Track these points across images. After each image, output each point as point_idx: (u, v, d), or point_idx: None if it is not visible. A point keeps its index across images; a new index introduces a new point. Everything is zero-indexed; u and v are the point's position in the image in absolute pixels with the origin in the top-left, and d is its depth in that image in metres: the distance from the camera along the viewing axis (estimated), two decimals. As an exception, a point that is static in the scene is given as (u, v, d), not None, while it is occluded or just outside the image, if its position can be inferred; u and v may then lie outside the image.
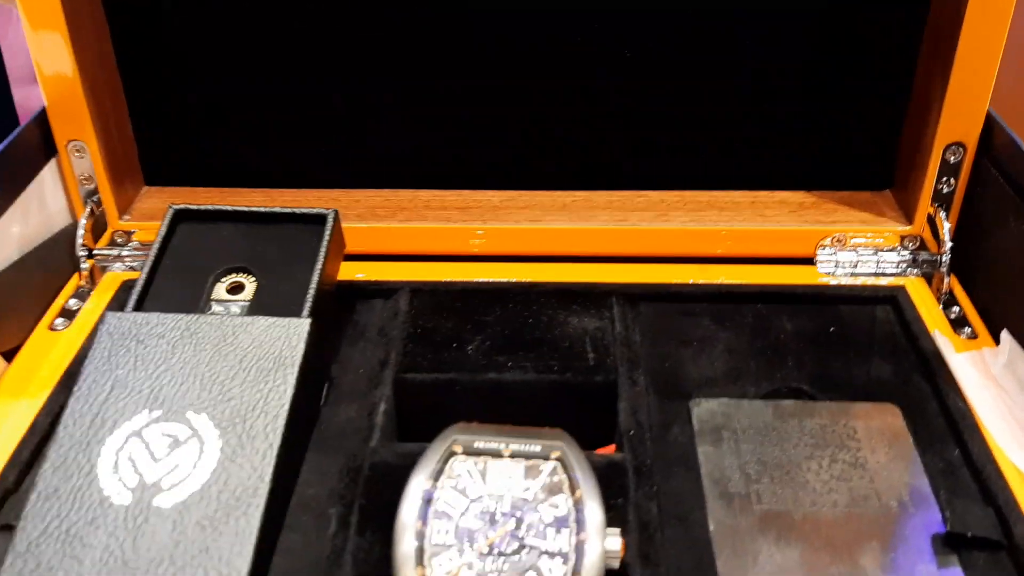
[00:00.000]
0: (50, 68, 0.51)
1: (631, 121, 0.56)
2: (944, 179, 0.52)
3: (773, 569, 0.38)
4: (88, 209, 0.55)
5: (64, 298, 0.53)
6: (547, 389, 0.46)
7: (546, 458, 0.37)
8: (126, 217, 0.56)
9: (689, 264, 0.55)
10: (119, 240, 0.56)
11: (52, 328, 0.51)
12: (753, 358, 0.49)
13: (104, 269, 0.56)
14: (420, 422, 0.44)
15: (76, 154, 0.53)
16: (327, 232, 0.49)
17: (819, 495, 0.41)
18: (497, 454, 0.37)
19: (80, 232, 0.54)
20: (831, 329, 0.50)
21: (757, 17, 0.52)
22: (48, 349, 0.50)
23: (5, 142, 0.50)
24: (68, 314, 0.52)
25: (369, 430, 0.44)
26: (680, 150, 0.57)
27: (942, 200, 0.53)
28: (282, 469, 0.40)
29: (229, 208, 0.50)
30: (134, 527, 0.37)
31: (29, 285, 0.51)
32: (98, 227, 0.56)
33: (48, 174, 0.54)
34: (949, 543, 0.39)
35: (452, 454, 0.37)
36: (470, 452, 0.38)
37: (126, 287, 0.54)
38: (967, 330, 0.50)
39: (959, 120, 0.51)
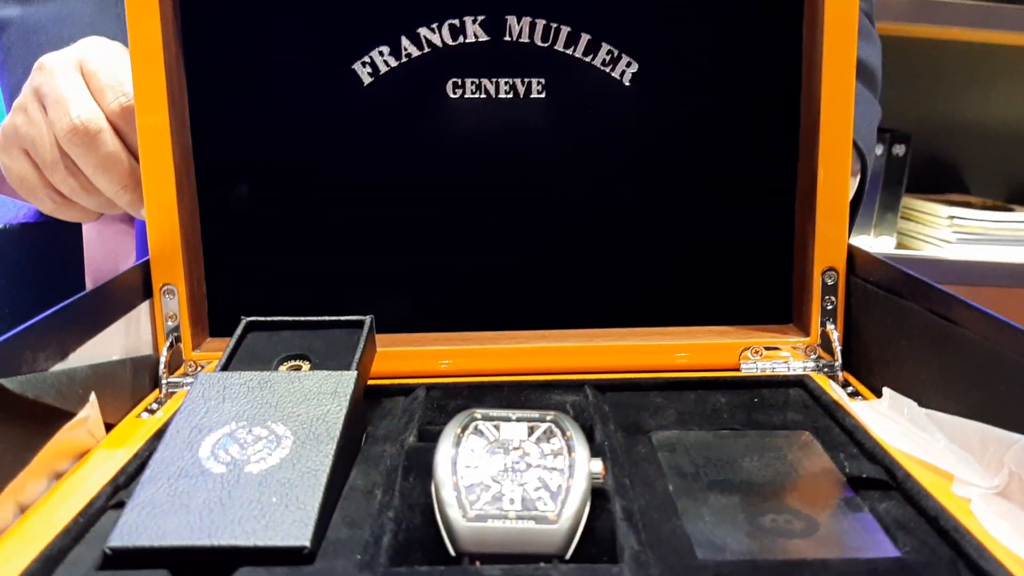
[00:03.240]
0: (158, 224, 0.68)
1: (586, 276, 0.74)
2: (827, 298, 0.70)
3: (719, 506, 0.50)
4: (169, 342, 0.69)
5: (147, 403, 0.66)
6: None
7: (544, 420, 0.50)
8: (197, 351, 0.71)
9: (642, 373, 0.70)
10: (190, 371, 0.70)
11: (139, 417, 0.64)
12: (697, 415, 0.62)
13: (173, 395, 0.69)
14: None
15: (167, 296, 0.69)
16: (366, 330, 0.64)
17: (752, 472, 0.53)
18: (507, 419, 0.50)
19: (163, 357, 0.68)
20: (755, 400, 0.65)
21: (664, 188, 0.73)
22: (138, 427, 0.62)
23: (116, 276, 0.67)
24: (151, 411, 0.65)
25: (401, 450, 0.56)
26: (627, 297, 0.74)
27: (828, 315, 0.70)
28: (339, 458, 0.52)
29: (290, 319, 0.65)
30: (228, 485, 0.48)
31: (124, 381, 0.64)
32: (175, 359, 0.70)
33: (143, 310, 0.69)
34: (852, 488, 0.51)
35: (473, 419, 0.50)
36: (486, 418, 0.50)
37: (196, 396, 0.67)
38: (860, 398, 0.65)
39: (828, 251, 0.69)
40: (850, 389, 0.66)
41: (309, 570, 0.44)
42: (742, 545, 0.46)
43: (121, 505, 0.50)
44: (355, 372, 0.58)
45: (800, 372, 0.69)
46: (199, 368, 0.71)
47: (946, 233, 1.73)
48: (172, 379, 0.69)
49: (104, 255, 1.17)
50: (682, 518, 0.48)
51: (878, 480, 0.51)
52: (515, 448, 0.48)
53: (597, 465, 0.48)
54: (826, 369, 0.70)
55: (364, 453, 0.57)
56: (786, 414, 0.62)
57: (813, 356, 0.71)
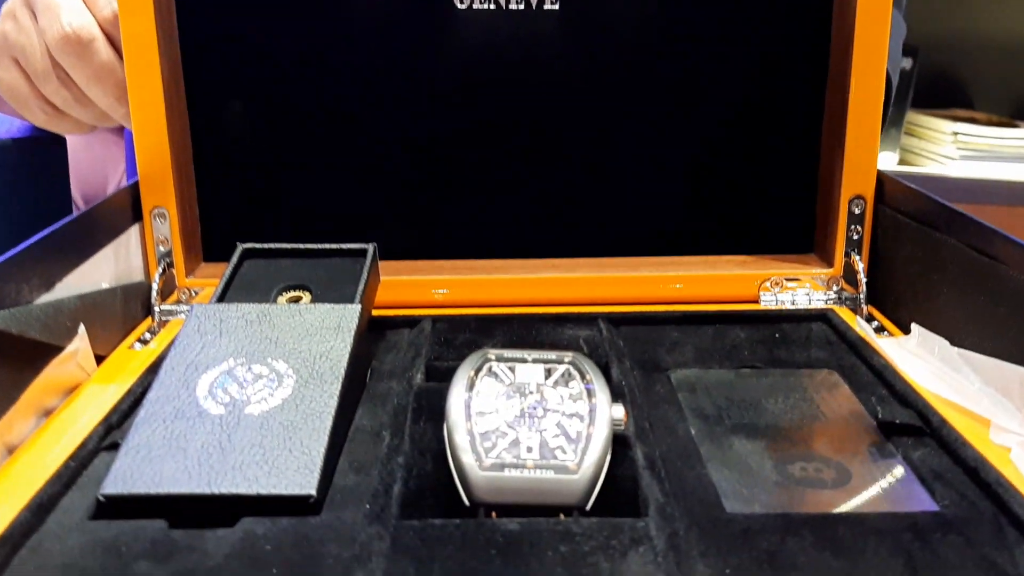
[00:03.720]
0: (147, 147, 0.64)
1: (599, 205, 0.70)
2: (853, 227, 0.67)
3: (744, 452, 0.47)
4: (161, 267, 0.66)
5: (139, 333, 0.63)
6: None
7: (561, 362, 0.48)
8: (191, 277, 0.68)
9: (656, 304, 0.67)
10: (184, 298, 0.67)
11: (131, 348, 0.61)
12: (715, 352, 0.60)
13: (166, 323, 0.66)
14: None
15: (158, 219, 0.66)
16: (368, 259, 0.60)
17: (777, 415, 0.51)
18: (522, 360, 0.48)
19: (155, 284, 0.65)
20: (776, 335, 0.62)
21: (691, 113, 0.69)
22: (130, 359, 0.59)
23: (103, 199, 0.63)
24: (143, 342, 0.62)
25: (409, 387, 0.53)
26: (643, 225, 0.71)
27: (854, 245, 0.67)
28: (344, 398, 0.49)
29: (288, 246, 0.62)
30: (228, 428, 0.46)
31: (114, 310, 0.61)
32: (167, 286, 0.67)
33: (133, 234, 0.65)
34: (884, 435, 0.48)
35: (487, 360, 0.47)
36: (501, 360, 0.48)
37: (190, 323, 0.64)
38: (885, 334, 0.62)
39: (857, 178, 0.66)
40: (875, 324, 0.64)
41: (316, 521, 0.41)
42: (771, 496, 0.43)
43: (115, 447, 0.48)
44: (359, 305, 0.55)
45: (822, 305, 0.67)
46: (193, 295, 0.67)
47: (950, 150, 1.69)
48: (165, 307, 0.66)
49: (92, 165, 1.13)
50: (707, 466, 0.46)
51: (911, 426, 0.48)
52: (532, 392, 0.45)
53: (619, 411, 0.45)
54: (849, 302, 0.67)
55: (369, 391, 0.55)
56: (809, 351, 0.59)
57: (835, 288, 0.68)
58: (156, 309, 0.65)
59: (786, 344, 0.60)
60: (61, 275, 0.56)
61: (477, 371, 0.46)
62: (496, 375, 0.46)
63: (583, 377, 0.46)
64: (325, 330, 0.53)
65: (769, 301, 0.67)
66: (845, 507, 0.42)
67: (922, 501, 0.43)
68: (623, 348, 0.59)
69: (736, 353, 0.59)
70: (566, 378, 0.46)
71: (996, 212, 1.76)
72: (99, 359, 0.58)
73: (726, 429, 0.49)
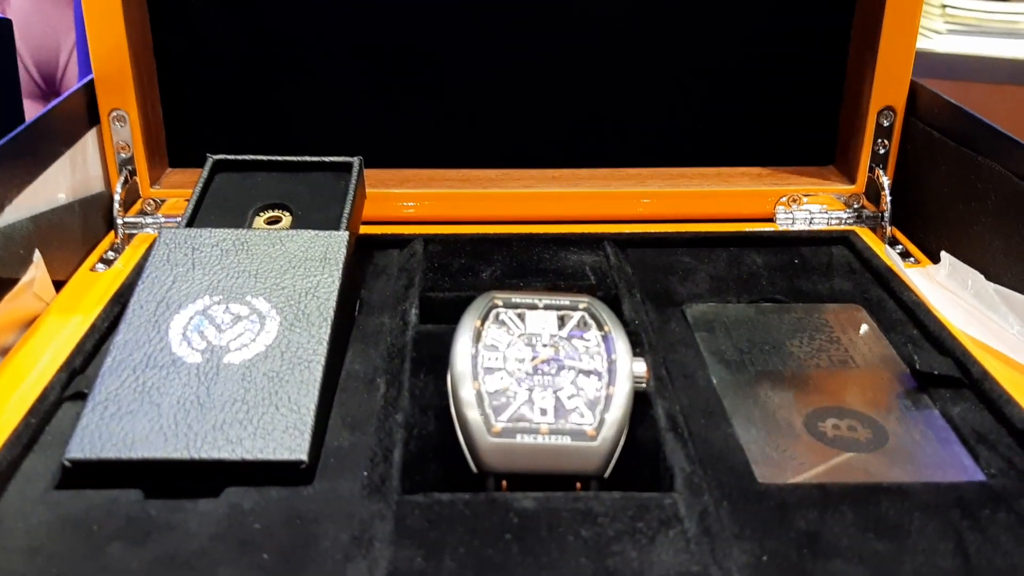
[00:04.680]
0: (101, 42, 0.57)
1: (604, 109, 0.64)
2: (880, 141, 0.61)
3: (772, 407, 0.44)
4: (123, 177, 0.60)
5: (101, 250, 0.57)
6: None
7: (575, 309, 0.43)
8: (156, 187, 0.61)
9: (666, 223, 0.62)
10: (148, 209, 0.61)
11: (93, 270, 0.55)
12: (732, 281, 0.55)
13: (131, 236, 0.60)
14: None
15: (117, 123, 0.59)
16: (354, 174, 0.55)
17: (803, 360, 0.47)
18: (533, 306, 0.43)
19: (117, 195, 0.59)
20: (795, 261, 0.58)
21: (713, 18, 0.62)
22: (92, 284, 0.54)
23: (55, 103, 0.56)
24: (106, 262, 0.56)
25: (403, 326, 0.48)
26: (650, 133, 0.65)
27: (879, 160, 0.62)
28: (334, 343, 0.44)
29: (264, 158, 0.56)
30: (206, 379, 0.41)
31: (73, 228, 0.55)
32: (130, 197, 0.61)
33: (90, 141, 0.59)
34: (919, 386, 0.45)
35: (493, 306, 0.43)
36: (509, 305, 0.43)
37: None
38: (911, 259, 0.58)
39: (888, 88, 0.60)
40: (899, 248, 0.59)
41: (309, 493, 0.37)
42: (804, 461, 0.40)
43: (79, 397, 0.43)
44: (346, 232, 0.49)
45: (842, 226, 0.62)
46: (158, 206, 0.61)
47: (937, 24, 1.61)
48: (129, 219, 0.60)
49: (42, 32, 1.05)
50: (732, 424, 0.42)
51: (949, 377, 0.45)
52: (545, 344, 0.41)
53: (640, 367, 0.41)
54: (869, 221, 0.62)
55: (360, 327, 0.50)
56: (832, 280, 0.55)
57: (856, 206, 0.63)
58: (119, 222, 0.59)
59: (806, 272, 0.56)
60: (11, 196, 0.49)
61: (483, 319, 0.42)
62: (504, 324, 0.42)
63: (600, 326, 0.42)
64: (310, 262, 0.48)
65: (786, 221, 0.62)
66: (884, 473, 0.39)
67: (967, 468, 0.39)
68: (633, 277, 0.55)
69: (754, 283, 0.55)
70: (581, 327, 0.42)
71: (983, 89, 1.70)
72: (58, 285, 0.53)
73: (750, 378, 0.46)
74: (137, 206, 0.61)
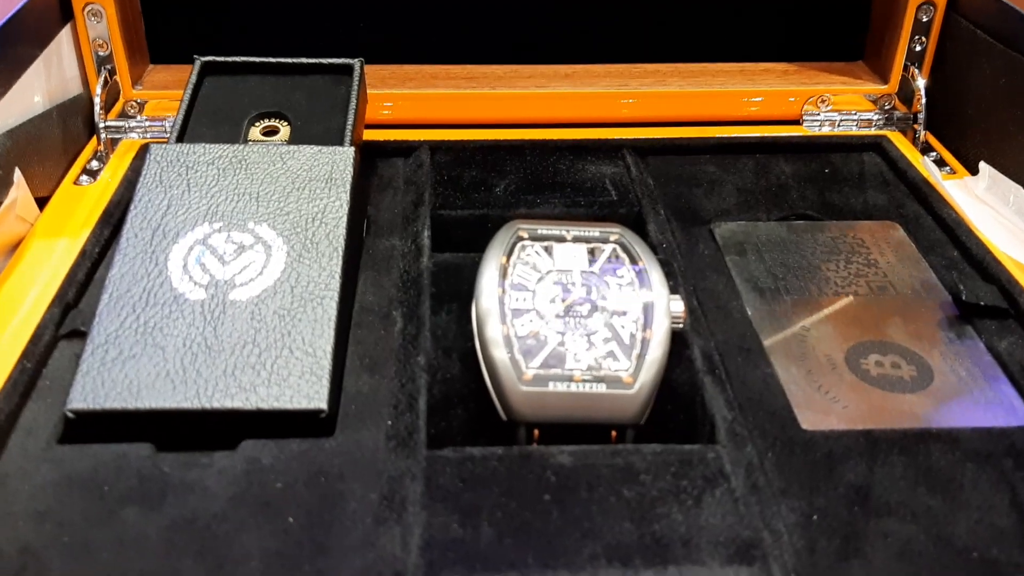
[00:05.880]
0: (70, -74, 0.51)
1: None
2: (917, 38, 0.57)
3: (812, 341, 0.42)
4: (103, 77, 0.55)
5: (84, 160, 0.53)
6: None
7: (606, 241, 0.40)
8: (139, 87, 0.57)
9: (687, 127, 0.58)
10: (131, 111, 0.56)
11: (77, 183, 0.51)
12: (760, 194, 0.52)
13: (115, 142, 0.56)
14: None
15: (93, 18, 0.54)
16: (355, 78, 0.50)
17: (840, 287, 0.45)
18: (560, 238, 0.40)
19: (97, 97, 0.54)
20: (825, 171, 0.54)
21: None
22: (78, 199, 0.50)
23: (24, 1, 0.50)
24: (91, 173, 0.52)
25: (417, 251, 0.45)
26: (669, 25, 0.60)
27: (915, 59, 0.58)
28: (346, 272, 0.41)
29: (257, 60, 0.51)
30: (212, 318, 0.38)
31: (52, 138, 0.51)
32: (111, 99, 0.56)
33: (65, 39, 0.54)
34: (962, 316, 0.43)
35: (519, 239, 0.40)
36: (535, 238, 0.40)
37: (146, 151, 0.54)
38: (947, 168, 0.55)
39: (931, -21, 0.56)
40: (933, 155, 0.56)
41: (331, 447, 0.35)
42: (849, 404, 0.38)
43: (77, 335, 0.40)
44: (352, 148, 0.46)
45: (872, 129, 0.59)
46: (141, 108, 0.57)
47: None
48: (111, 122, 0.56)
49: None
50: (772, 363, 0.40)
51: (995, 308, 0.43)
52: (575, 284, 0.38)
53: (678, 305, 0.38)
54: (901, 123, 0.59)
55: (369, 251, 0.47)
56: (865, 193, 0.52)
57: (888, 107, 0.59)
58: (101, 126, 0.55)
59: (837, 184, 0.53)
60: (-18, 109, 0.45)
61: (508, 255, 0.39)
62: (531, 261, 0.39)
63: (633, 260, 0.39)
64: (315, 182, 0.44)
65: (813, 124, 0.59)
66: (931, 415, 0.37)
67: (1016, 411, 0.38)
68: (655, 191, 0.51)
69: (784, 196, 0.52)
70: (613, 261, 0.39)
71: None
72: (41, 202, 0.49)
73: (786, 307, 0.43)
74: (118, 107, 0.57)
